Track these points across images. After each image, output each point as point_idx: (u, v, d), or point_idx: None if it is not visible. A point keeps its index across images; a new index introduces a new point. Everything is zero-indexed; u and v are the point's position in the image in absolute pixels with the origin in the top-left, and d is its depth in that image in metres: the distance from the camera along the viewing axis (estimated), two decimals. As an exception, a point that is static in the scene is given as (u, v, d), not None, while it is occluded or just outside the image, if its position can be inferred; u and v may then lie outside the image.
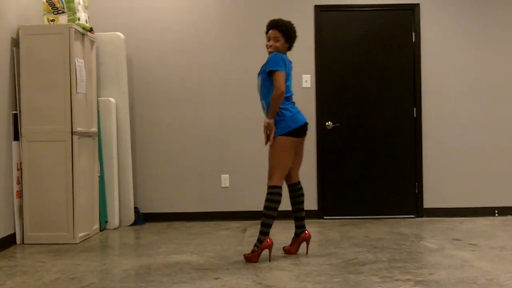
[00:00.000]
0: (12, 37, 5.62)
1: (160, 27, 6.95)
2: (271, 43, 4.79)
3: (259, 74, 4.85)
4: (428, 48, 6.96)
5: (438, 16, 6.98)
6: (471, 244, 5.29)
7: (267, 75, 4.71)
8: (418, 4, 6.96)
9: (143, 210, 6.84)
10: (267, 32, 4.86)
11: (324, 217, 6.89)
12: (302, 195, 4.95)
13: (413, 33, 6.96)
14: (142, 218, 6.75)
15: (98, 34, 6.44)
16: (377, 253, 4.93)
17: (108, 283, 4.15)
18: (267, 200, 4.65)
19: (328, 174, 6.95)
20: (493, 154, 6.99)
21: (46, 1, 5.86)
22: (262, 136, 6.75)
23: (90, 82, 6.11)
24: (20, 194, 5.63)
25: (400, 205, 6.97)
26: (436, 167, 6.95)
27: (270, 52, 4.78)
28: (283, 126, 4.67)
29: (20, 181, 5.64)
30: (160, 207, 6.92)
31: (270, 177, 4.69)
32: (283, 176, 4.73)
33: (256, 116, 6.88)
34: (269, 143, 4.71)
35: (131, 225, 6.62)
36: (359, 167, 6.97)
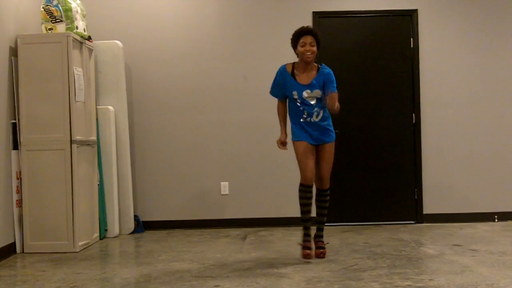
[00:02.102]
0: (10, 46, 5.62)
1: (159, 35, 6.95)
2: (308, 48, 4.96)
3: (318, 86, 5.01)
4: (427, 54, 6.97)
5: (436, 22, 6.99)
6: (471, 249, 5.29)
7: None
8: (416, 10, 6.97)
9: (142, 218, 6.83)
10: (297, 38, 5.01)
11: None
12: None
13: (412, 39, 6.97)
14: (142, 226, 6.74)
15: (96, 43, 6.44)
16: (377, 259, 4.93)
17: (108, 291, 4.16)
18: (328, 200, 5.13)
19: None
20: (493, 160, 6.98)
21: (44, 9, 5.86)
22: (261, 143, 6.81)
23: (88, 90, 6.11)
24: (19, 203, 5.63)
25: (400, 211, 6.96)
26: (435, 173, 6.95)
27: (309, 57, 4.98)
28: (334, 135, 5.14)
29: (19, 190, 5.63)
30: (159, 215, 6.90)
31: (328, 180, 5.09)
32: None
33: (255, 123, 6.90)
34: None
35: (131, 233, 6.61)
36: (359, 173, 6.97)
